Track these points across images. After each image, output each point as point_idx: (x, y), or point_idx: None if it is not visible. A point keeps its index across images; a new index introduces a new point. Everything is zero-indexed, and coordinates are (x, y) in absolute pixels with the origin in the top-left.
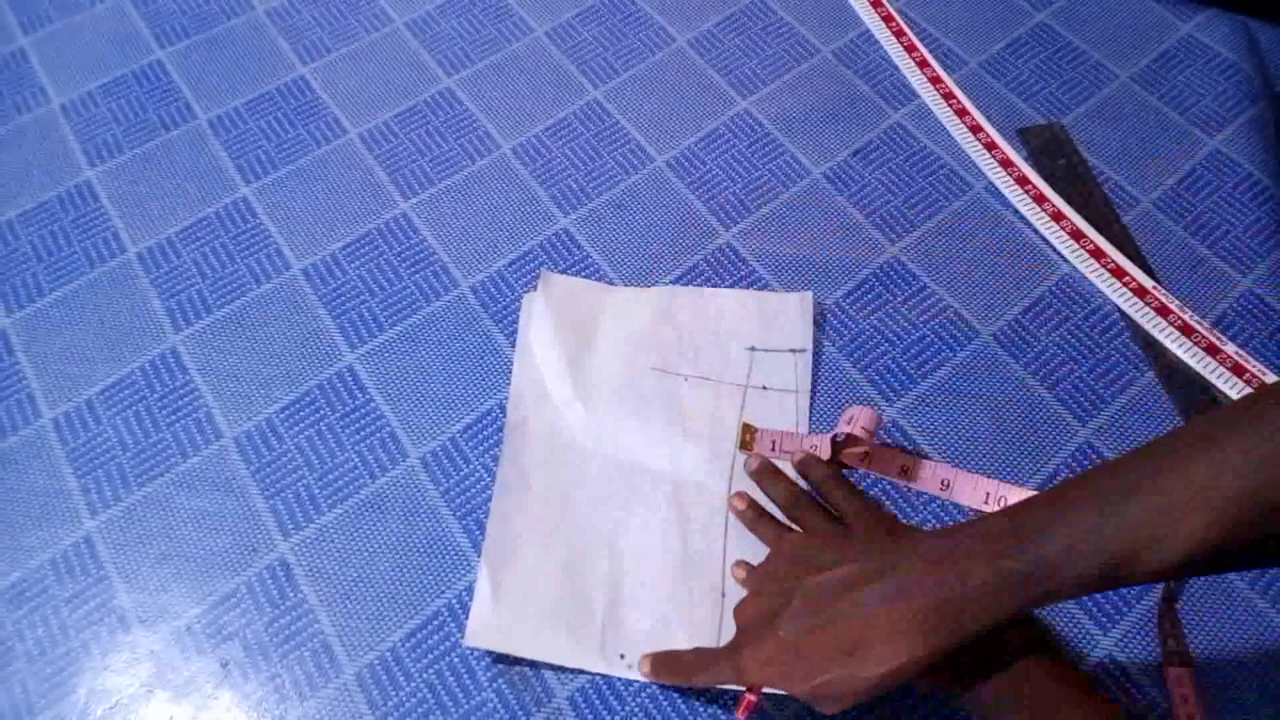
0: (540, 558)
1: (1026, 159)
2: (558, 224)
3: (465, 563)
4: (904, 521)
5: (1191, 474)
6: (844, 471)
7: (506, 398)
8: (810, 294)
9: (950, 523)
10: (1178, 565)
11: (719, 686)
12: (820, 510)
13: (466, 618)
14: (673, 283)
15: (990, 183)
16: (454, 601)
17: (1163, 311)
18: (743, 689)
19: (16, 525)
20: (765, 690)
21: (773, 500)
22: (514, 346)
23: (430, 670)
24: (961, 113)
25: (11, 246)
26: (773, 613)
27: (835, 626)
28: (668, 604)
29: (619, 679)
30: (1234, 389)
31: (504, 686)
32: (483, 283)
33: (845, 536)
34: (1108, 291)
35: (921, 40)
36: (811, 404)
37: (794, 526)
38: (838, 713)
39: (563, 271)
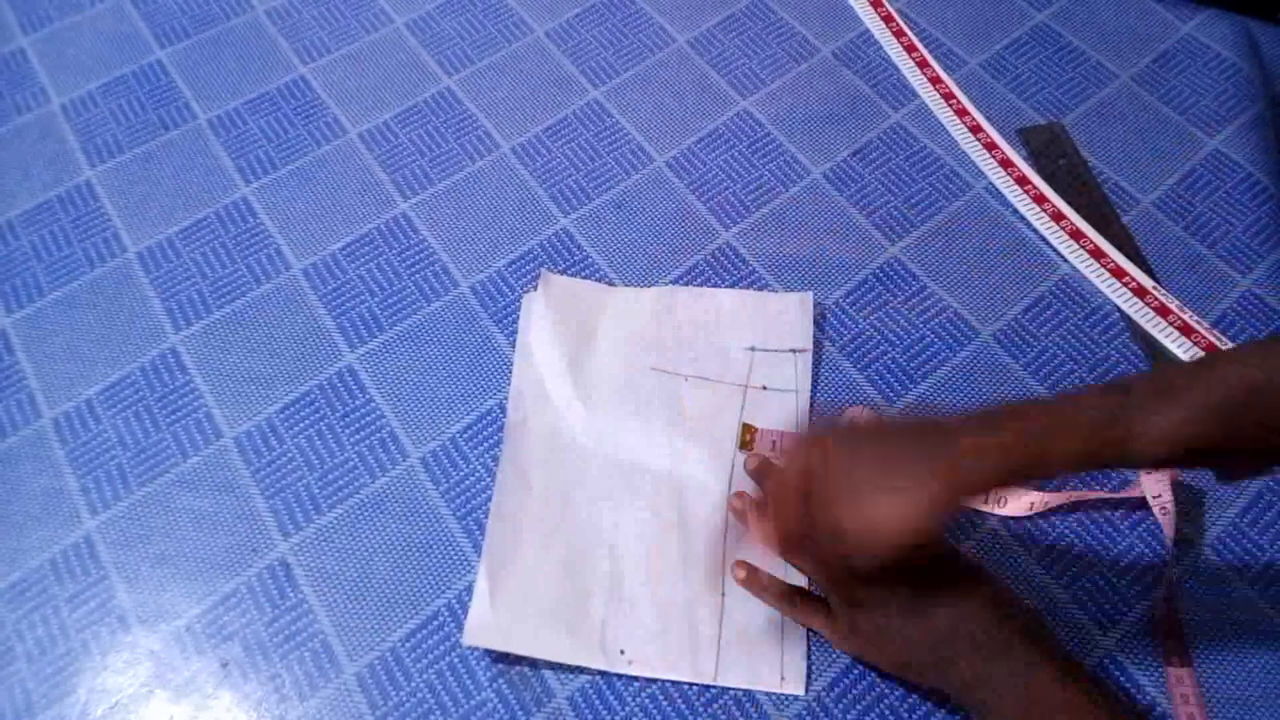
0: (540, 557)
1: (1026, 159)
2: (558, 224)
3: (465, 563)
4: None
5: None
6: None
7: (506, 398)
8: (810, 294)
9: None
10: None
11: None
12: None
13: (466, 617)
14: (673, 283)
15: (990, 183)
16: (454, 601)
17: (1163, 311)
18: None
19: (16, 525)
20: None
21: None
22: (514, 346)
23: (430, 670)
24: (961, 113)
25: (11, 246)
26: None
27: (877, 456)
28: (668, 603)
29: (619, 679)
30: None
31: (504, 686)
32: (483, 283)
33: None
34: (1108, 291)
35: (921, 40)
36: (811, 404)
37: None
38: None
39: (563, 271)
